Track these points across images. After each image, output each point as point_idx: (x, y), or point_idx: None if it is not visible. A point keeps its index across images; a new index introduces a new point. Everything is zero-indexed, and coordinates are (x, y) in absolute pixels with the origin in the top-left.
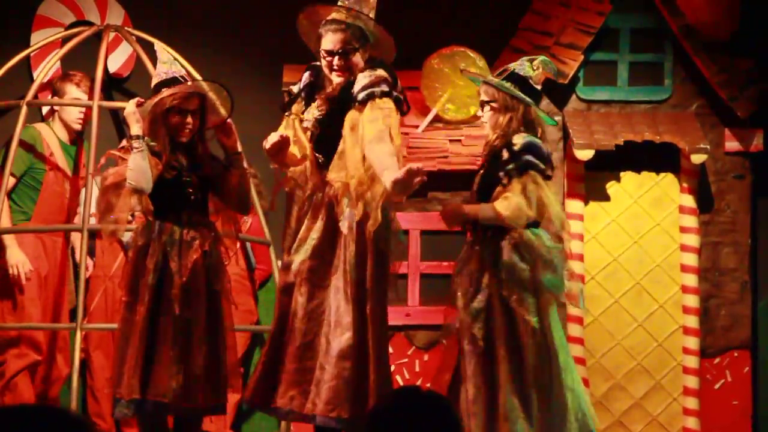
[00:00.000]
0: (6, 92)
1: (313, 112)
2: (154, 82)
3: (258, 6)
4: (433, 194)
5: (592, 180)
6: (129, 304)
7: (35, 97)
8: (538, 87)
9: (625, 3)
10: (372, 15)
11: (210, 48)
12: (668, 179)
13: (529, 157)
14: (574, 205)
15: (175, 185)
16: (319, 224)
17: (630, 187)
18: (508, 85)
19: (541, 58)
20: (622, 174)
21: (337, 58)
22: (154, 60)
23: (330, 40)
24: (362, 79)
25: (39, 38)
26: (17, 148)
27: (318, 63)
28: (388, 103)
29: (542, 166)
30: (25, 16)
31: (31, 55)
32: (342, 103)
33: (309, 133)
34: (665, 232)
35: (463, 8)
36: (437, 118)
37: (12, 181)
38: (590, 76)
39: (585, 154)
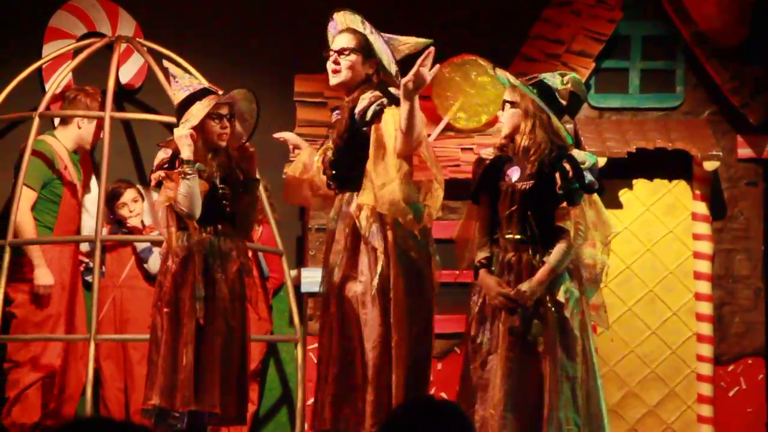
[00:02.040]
0: (18, 104)
1: (327, 146)
2: (183, 95)
3: (269, 16)
4: (445, 203)
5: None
6: (171, 314)
7: (47, 108)
8: (563, 101)
9: (636, 10)
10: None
11: (221, 58)
12: (681, 186)
13: (592, 178)
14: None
15: (211, 197)
16: (340, 246)
17: (642, 195)
18: (533, 91)
19: (573, 74)
20: (634, 181)
21: (335, 55)
22: (165, 71)
23: (336, 41)
24: (361, 102)
25: (51, 50)
26: (35, 163)
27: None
28: (395, 110)
29: (598, 185)
30: (36, 28)
31: (43, 66)
32: (351, 132)
33: (324, 165)
34: (678, 240)
35: (474, 17)
36: (449, 127)
37: (33, 195)
38: (602, 84)
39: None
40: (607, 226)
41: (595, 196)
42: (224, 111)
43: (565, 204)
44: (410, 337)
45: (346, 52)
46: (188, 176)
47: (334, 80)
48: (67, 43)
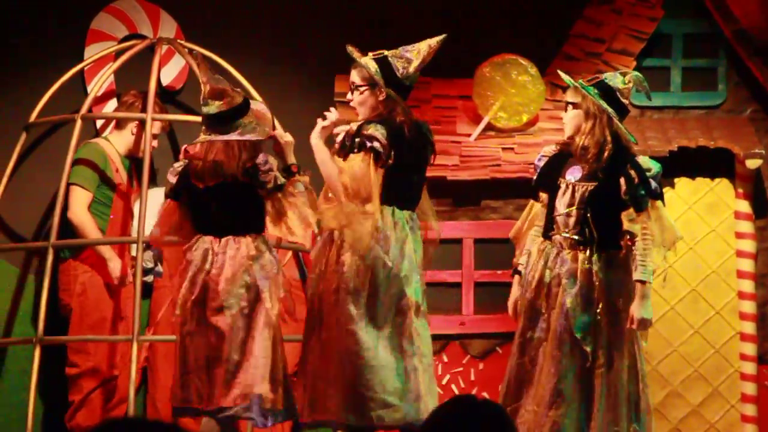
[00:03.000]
0: (60, 106)
1: None
2: (240, 98)
3: (310, 17)
4: (486, 202)
5: None
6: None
7: (89, 110)
8: (626, 101)
9: (677, 8)
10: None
11: (262, 59)
12: (723, 185)
13: (657, 185)
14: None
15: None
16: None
17: (684, 193)
18: (594, 91)
19: (635, 73)
20: (676, 180)
21: (349, 93)
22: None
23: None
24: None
25: (92, 52)
26: (89, 164)
27: None
28: (358, 157)
29: (660, 190)
30: (78, 30)
31: (85, 69)
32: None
33: None
34: (721, 238)
35: (514, 16)
36: (489, 126)
37: (88, 195)
38: None
39: None
40: (672, 232)
41: (659, 202)
42: None
43: (631, 210)
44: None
45: (358, 88)
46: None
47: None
48: (109, 46)
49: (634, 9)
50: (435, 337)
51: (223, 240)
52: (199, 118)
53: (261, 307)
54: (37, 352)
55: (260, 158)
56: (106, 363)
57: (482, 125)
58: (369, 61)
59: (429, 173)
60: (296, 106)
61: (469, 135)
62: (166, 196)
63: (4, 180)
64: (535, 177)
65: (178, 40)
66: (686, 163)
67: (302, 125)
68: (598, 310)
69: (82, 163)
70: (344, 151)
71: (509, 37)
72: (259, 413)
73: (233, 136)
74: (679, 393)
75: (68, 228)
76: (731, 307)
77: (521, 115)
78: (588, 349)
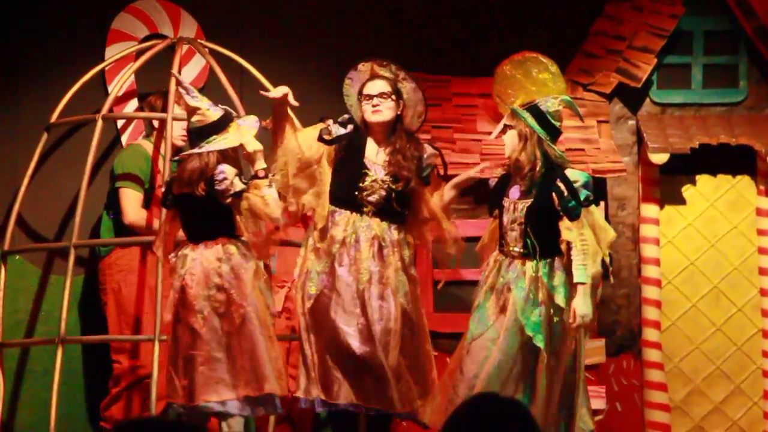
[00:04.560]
0: (82, 106)
1: (379, 172)
2: (218, 114)
3: (330, 17)
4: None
5: (667, 184)
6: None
7: (110, 110)
8: (556, 123)
9: (698, 5)
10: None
11: (282, 59)
12: (745, 181)
13: (588, 192)
14: (650, 210)
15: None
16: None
17: (706, 190)
18: (526, 115)
19: (566, 98)
20: (697, 177)
21: (375, 99)
22: (227, 72)
23: (374, 86)
24: (427, 152)
25: (113, 52)
26: (134, 164)
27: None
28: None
29: (593, 197)
30: (99, 30)
31: (106, 69)
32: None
33: (378, 191)
34: (742, 235)
35: (534, 13)
36: None
37: (139, 194)
38: (664, 80)
39: (660, 158)
40: (607, 233)
41: (592, 207)
42: None
43: (565, 219)
44: None
45: (385, 96)
46: (275, 185)
47: (376, 118)
48: (130, 46)
49: (655, 6)
50: (457, 336)
51: (199, 245)
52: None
53: (236, 307)
54: (59, 352)
55: (217, 169)
56: (148, 361)
57: (503, 123)
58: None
59: (450, 171)
60: (317, 105)
61: (489, 133)
62: (161, 204)
63: (26, 180)
64: (490, 199)
65: (199, 40)
66: (708, 160)
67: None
68: (544, 310)
69: (127, 165)
70: None
71: (529, 34)
72: (248, 410)
73: (198, 150)
74: (701, 390)
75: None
76: (753, 304)
77: None
78: (540, 345)
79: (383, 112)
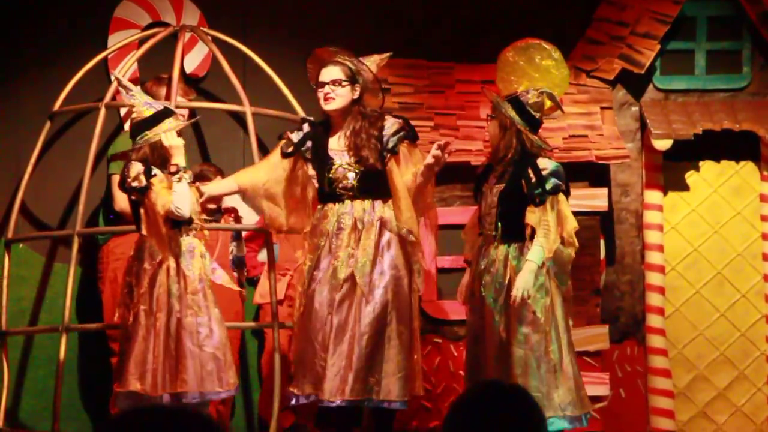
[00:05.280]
0: (84, 94)
1: (343, 158)
2: (150, 111)
3: (333, 4)
4: None
5: (670, 170)
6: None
7: (113, 98)
8: (536, 114)
9: None
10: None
11: (285, 47)
12: (748, 167)
13: (556, 181)
14: (653, 196)
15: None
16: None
17: (709, 177)
18: (506, 105)
19: (546, 89)
20: (701, 163)
21: (327, 87)
22: (230, 60)
23: (326, 73)
24: (388, 128)
25: (116, 40)
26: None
27: (310, 119)
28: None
29: (564, 186)
30: (102, 18)
31: (109, 57)
32: (381, 153)
33: (346, 175)
34: (746, 221)
35: (537, 0)
36: None
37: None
38: (667, 66)
39: (663, 144)
40: (569, 222)
41: (561, 196)
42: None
43: (531, 205)
44: None
45: (337, 83)
46: (185, 179)
47: (328, 107)
48: (133, 34)
49: None
50: (458, 323)
51: None
52: (222, 105)
53: (137, 306)
54: (63, 340)
55: (126, 167)
56: None
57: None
58: None
59: (453, 158)
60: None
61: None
62: None
63: (29, 168)
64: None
65: (201, 28)
66: (711, 146)
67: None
68: (507, 292)
69: (120, 152)
70: None
71: (533, 21)
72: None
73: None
74: (705, 376)
75: (95, 217)
76: (757, 290)
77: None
78: (501, 326)
79: (335, 99)
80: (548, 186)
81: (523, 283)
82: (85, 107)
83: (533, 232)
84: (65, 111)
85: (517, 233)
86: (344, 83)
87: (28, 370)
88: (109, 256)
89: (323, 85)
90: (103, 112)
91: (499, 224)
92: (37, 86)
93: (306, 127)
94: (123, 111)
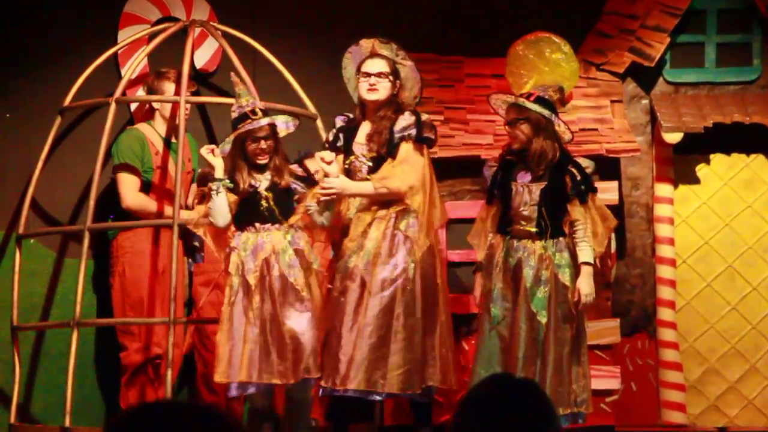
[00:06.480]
0: (95, 89)
1: (362, 150)
2: (233, 116)
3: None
4: None
5: (681, 163)
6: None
7: (123, 93)
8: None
9: None
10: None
11: (295, 42)
12: (759, 160)
13: (591, 179)
14: (664, 189)
15: (250, 202)
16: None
17: (720, 170)
18: (537, 106)
19: (557, 83)
20: (711, 156)
21: (372, 78)
22: (240, 55)
23: (372, 64)
24: (400, 122)
25: (126, 35)
26: (132, 149)
27: (346, 114)
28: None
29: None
30: (111, 14)
31: (119, 52)
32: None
33: (360, 168)
34: (757, 214)
35: None
36: None
37: (136, 179)
38: (677, 59)
39: (673, 137)
40: (611, 219)
41: (596, 194)
42: (261, 134)
43: (575, 201)
44: None
45: (382, 76)
46: (214, 192)
47: (371, 96)
48: (142, 29)
49: None
50: (467, 317)
51: None
52: (232, 100)
53: None
54: (74, 335)
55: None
56: (151, 342)
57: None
58: None
59: (463, 152)
60: (328, 87)
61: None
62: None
63: (40, 164)
64: (489, 184)
65: (211, 23)
66: (721, 139)
67: (334, 108)
68: (550, 288)
69: (123, 150)
70: None
71: (542, 15)
72: None
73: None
74: (716, 370)
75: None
76: None
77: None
78: (543, 321)
79: (379, 91)
80: (591, 184)
81: (588, 288)
82: (95, 102)
83: (572, 228)
84: (75, 106)
85: (556, 229)
86: (390, 77)
87: (39, 365)
88: (119, 250)
89: (368, 75)
90: (113, 107)
91: (542, 221)
92: (47, 82)
93: (338, 122)
94: (133, 106)
